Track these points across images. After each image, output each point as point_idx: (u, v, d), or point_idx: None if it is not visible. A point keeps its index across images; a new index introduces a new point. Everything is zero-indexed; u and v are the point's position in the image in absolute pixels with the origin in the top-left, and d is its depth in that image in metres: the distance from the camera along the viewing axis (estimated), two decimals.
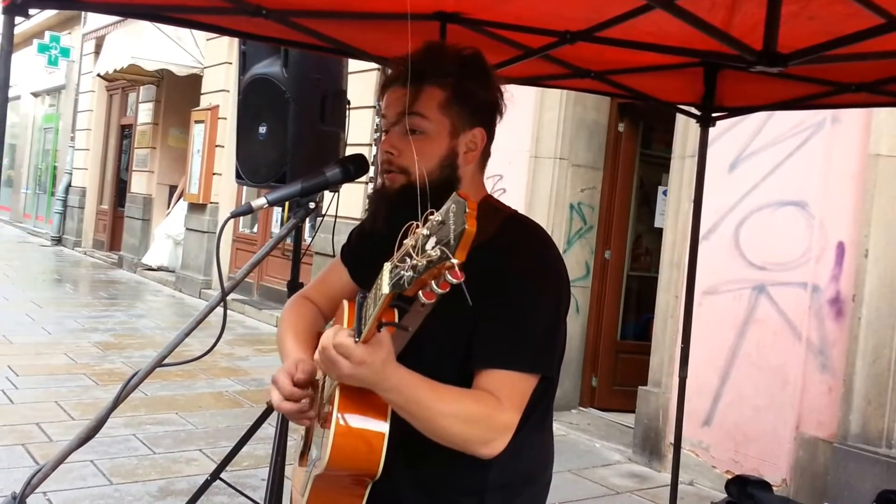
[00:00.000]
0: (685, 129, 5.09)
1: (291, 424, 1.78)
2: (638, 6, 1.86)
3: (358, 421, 1.30)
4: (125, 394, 1.85)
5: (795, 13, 1.83)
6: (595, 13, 2.01)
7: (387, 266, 1.11)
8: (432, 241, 1.02)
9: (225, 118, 10.52)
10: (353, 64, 2.98)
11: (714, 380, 4.78)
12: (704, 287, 4.69)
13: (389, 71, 1.55)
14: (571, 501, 4.43)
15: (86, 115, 16.19)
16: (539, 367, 1.43)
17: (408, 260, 1.05)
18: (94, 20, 14.44)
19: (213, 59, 11.06)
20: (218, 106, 10.74)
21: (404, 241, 1.08)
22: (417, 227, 1.06)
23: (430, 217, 1.04)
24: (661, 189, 6.28)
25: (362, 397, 1.30)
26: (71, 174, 16.49)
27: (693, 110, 3.05)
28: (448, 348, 1.44)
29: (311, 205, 1.94)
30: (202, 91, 11.26)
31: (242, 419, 5.13)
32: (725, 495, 3.78)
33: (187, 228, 11.37)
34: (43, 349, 6.99)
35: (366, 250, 1.61)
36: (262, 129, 3.02)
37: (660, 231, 5.66)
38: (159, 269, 12.28)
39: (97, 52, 14.37)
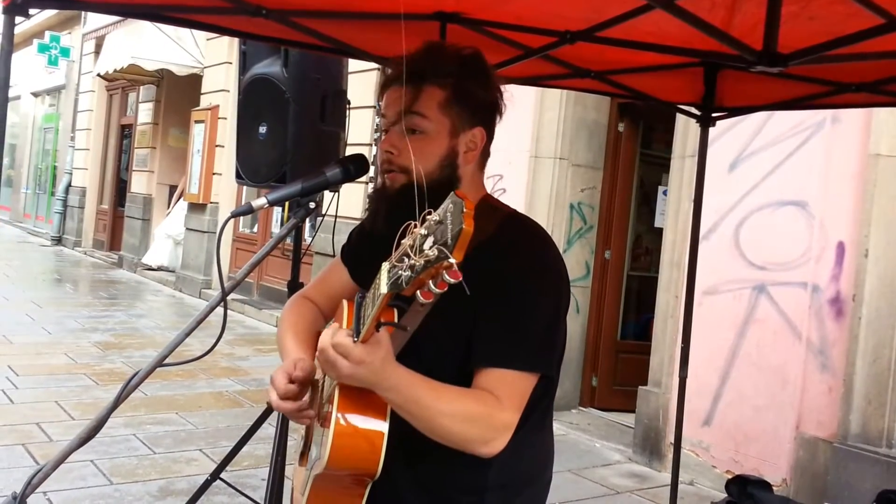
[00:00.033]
0: (685, 129, 5.09)
1: (292, 424, 1.78)
2: (638, 6, 1.86)
3: (357, 420, 1.30)
4: (126, 394, 1.85)
5: (795, 13, 1.83)
6: (595, 13, 2.01)
7: (385, 266, 1.11)
8: (430, 240, 1.02)
9: (225, 118, 10.52)
10: (353, 64, 2.98)
11: (714, 380, 4.78)
12: (704, 287, 4.69)
13: (389, 71, 1.55)
14: (571, 501, 4.43)
15: (86, 114, 16.19)
16: (539, 366, 1.43)
17: (406, 260, 1.05)
18: (94, 20, 14.44)
19: (213, 58, 11.06)
20: (218, 106, 10.74)
21: (402, 241, 1.08)
22: (415, 226, 1.06)
23: (428, 217, 1.04)
24: (661, 189, 6.28)
25: (362, 397, 1.30)
26: (71, 174, 16.50)
27: (693, 110, 3.05)
28: (448, 348, 1.44)
29: (312, 205, 1.94)
30: (202, 91, 11.26)
31: (242, 419, 5.13)
32: (725, 495, 3.79)
33: (187, 228, 11.37)
34: (43, 349, 6.99)
35: (366, 250, 1.61)
36: (263, 129, 3.02)
37: (660, 231, 5.66)
38: (159, 268, 12.28)
39: (97, 51, 14.38)
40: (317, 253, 7.96)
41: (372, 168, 1.94)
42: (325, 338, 1.26)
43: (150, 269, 12.42)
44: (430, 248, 1.01)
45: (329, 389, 1.39)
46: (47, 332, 7.70)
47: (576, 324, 6.15)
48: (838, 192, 4.32)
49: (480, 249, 1.38)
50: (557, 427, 4.57)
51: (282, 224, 9.93)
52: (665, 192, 5.75)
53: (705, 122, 3.05)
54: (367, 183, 7.26)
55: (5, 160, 20.00)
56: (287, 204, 2.13)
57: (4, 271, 11.81)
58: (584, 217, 6.28)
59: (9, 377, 5.88)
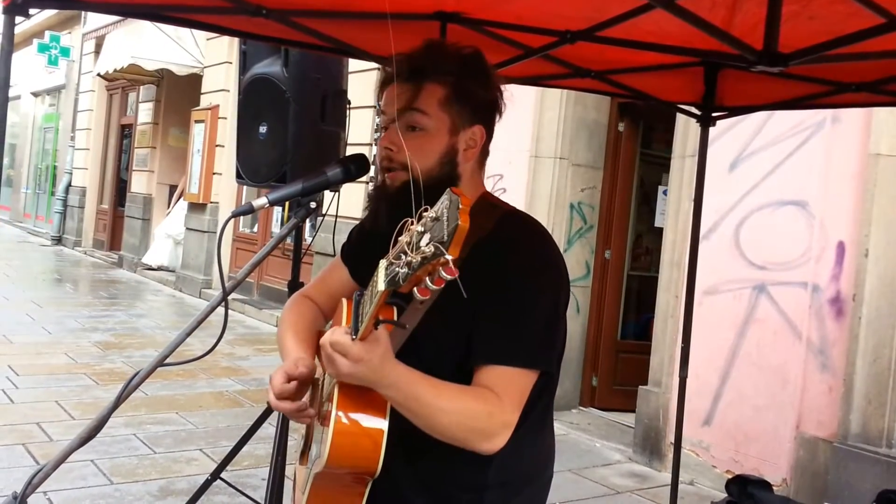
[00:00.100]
0: (685, 129, 5.09)
1: (292, 424, 1.78)
2: (638, 6, 1.86)
3: (357, 418, 1.30)
4: (126, 394, 1.85)
5: (796, 13, 1.83)
6: (595, 13, 2.01)
7: (382, 263, 1.11)
8: (426, 237, 1.02)
9: (225, 118, 10.52)
10: (354, 64, 2.98)
11: (714, 379, 4.78)
12: (705, 287, 4.69)
13: (389, 69, 1.55)
14: (572, 501, 4.43)
15: (86, 114, 16.19)
16: (539, 362, 1.43)
17: (403, 257, 1.05)
18: (94, 20, 14.43)
19: (214, 58, 11.06)
20: (218, 105, 10.74)
21: (399, 238, 1.08)
22: (412, 223, 1.06)
23: (425, 214, 1.04)
24: (661, 188, 6.28)
25: (361, 395, 1.30)
26: (71, 174, 16.50)
27: (693, 110, 3.05)
28: (447, 345, 1.44)
29: (312, 204, 1.94)
30: (202, 91, 11.26)
31: (243, 419, 5.13)
32: (726, 495, 3.78)
33: (187, 228, 11.37)
34: (43, 349, 6.99)
35: (365, 249, 1.61)
36: (263, 129, 3.01)
37: (660, 231, 5.66)
38: (159, 268, 12.28)
39: (97, 51, 14.38)
40: (317, 253, 7.96)
41: (373, 168, 1.94)
42: (326, 336, 1.26)
43: (151, 268, 12.42)
44: (427, 244, 1.01)
45: (329, 388, 1.39)
46: (47, 331, 7.70)
47: (576, 324, 6.15)
48: (838, 191, 4.32)
49: (479, 246, 1.39)
50: (558, 427, 4.57)
51: (282, 224, 9.93)
52: (665, 192, 5.75)
53: (705, 122, 3.05)
54: (367, 183, 7.26)
55: (5, 160, 20.00)
56: (287, 204, 2.13)
57: (4, 271, 11.81)
58: (584, 217, 6.28)
59: (9, 377, 5.88)
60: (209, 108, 10.84)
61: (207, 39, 11.19)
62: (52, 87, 18.99)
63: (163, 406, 5.52)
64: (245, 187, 9.13)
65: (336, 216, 2.75)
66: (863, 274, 4.14)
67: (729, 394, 4.72)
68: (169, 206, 12.84)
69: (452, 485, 1.48)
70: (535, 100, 6.09)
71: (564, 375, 5.17)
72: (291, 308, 1.71)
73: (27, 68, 18.27)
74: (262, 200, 1.69)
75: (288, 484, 2.64)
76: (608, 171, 6.36)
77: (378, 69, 1.70)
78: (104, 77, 13.84)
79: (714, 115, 3.03)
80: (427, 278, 1.03)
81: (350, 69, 3.12)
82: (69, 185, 16.49)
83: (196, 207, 11.09)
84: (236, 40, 3.46)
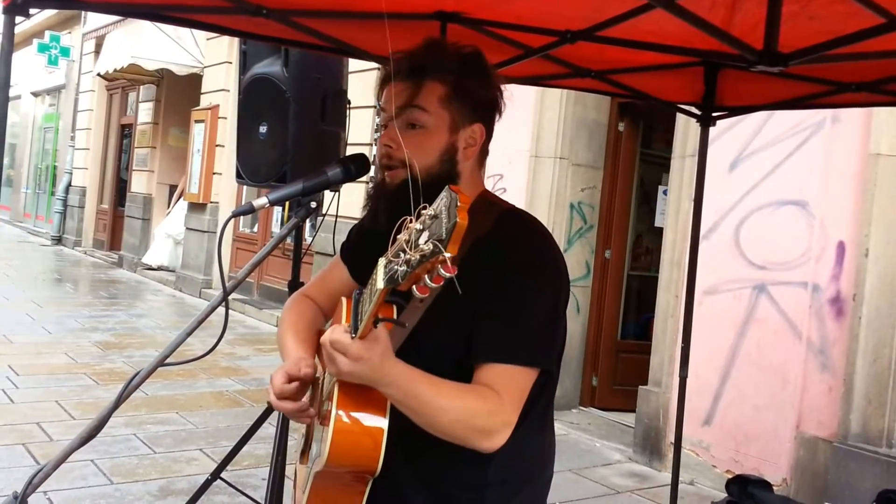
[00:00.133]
0: (685, 129, 5.09)
1: (292, 424, 1.78)
2: (638, 5, 1.86)
3: (357, 417, 1.30)
4: (127, 393, 1.85)
5: (796, 13, 1.83)
6: (595, 12, 2.01)
7: (381, 261, 1.11)
8: (425, 235, 1.02)
9: (225, 118, 10.52)
10: (354, 63, 2.98)
11: (714, 379, 4.78)
12: (705, 286, 4.69)
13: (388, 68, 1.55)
14: (572, 501, 4.43)
15: (86, 114, 16.20)
16: (538, 361, 1.43)
17: (401, 255, 1.05)
18: (94, 20, 14.43)
19: (214, 58, 11.06)
20: (218, 105, 10.75)
21: (398, 236, 1.08)
22: (411, 221, 1.07)
23: (423, 211, 1.04)
24: (661, 188, 6.28)
25: (361, 393, 1.30)
26: (71, 174, 16.50)
27: (693, 110, 3.05)
28: (447, 344, 1.44)
29: (313, 204, 1.94)
30: (202, 91, 11.26)
31: (243, 419, 5.13)
32: (726, 495, 3.78)
33: (187, 228, 11.37)
34: (43, 349, 6.99)
35: (365, 248, 1.61)
36: (263, 129, 3.01)
37: (660, 230, 5.66)
38: (159, 268, 12.28)
39: (97, 51, 14.38)
40: (317, 253, 7.96)
41: (373, 168, 1.94)
42: (325, 335, 1.27)
43: (151, 268, 12.42)
44: (426, 242, 1.01)
45: (329, 386, 1.39)
46: (47, 331, 7.70)
47: (576, 323, 6.15)
48: (838, 191, 4.32)
49: (479, 245, 1.39)
50: (558, 427, 4.57)
51: (282, 224, 9.93)
52: (665, 192, 5.75)
53: (705, 122, 3.05)
54: (367, 182, 7.24)
55: (5, 160, 19.94)
56: (288, 203, 2.13)
57: (4, 271, 11.81)
58: (584, 216, 6.28)
59: (9, 377, 5.88)
60: (209, 108, 10.84)
61: (207, 39, 11.19)
62: (52, 86, 18.99)
63: (163, 406, 5.52)
64: (245, 187, 9.13)
65: (336, 216, 2.75)
66: (863, 274, 4.14)
67: (729, 393, 4.73)
68: (169, 206, 12.85)
69: (453, 483, 1.48)
70: (535, 99, 6.09)
71: (564, 375, 5.17)
72: (291, 307, 1.71)
73: (27, 68, 18.28)
74: (263, 200, 1.69)
75: (288, 483, 2.64)
76: (608, 170, 6.36)
77: (378, 69, 1.70)
78: (104, 77, 13.85)
79: (714, 114, 3.03)
80: (426, 276, 1.03)
81: (350, 69, 3.12)
82: (69, 184, 16.49)
83: (196, 207, 11.09)
84: (236, 40, 3.46)
